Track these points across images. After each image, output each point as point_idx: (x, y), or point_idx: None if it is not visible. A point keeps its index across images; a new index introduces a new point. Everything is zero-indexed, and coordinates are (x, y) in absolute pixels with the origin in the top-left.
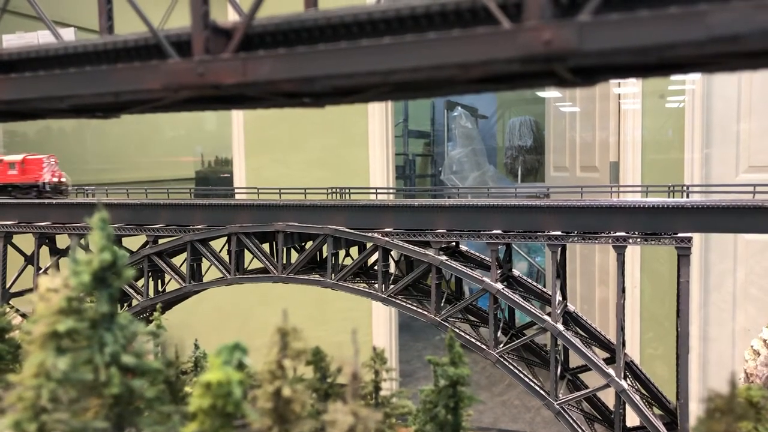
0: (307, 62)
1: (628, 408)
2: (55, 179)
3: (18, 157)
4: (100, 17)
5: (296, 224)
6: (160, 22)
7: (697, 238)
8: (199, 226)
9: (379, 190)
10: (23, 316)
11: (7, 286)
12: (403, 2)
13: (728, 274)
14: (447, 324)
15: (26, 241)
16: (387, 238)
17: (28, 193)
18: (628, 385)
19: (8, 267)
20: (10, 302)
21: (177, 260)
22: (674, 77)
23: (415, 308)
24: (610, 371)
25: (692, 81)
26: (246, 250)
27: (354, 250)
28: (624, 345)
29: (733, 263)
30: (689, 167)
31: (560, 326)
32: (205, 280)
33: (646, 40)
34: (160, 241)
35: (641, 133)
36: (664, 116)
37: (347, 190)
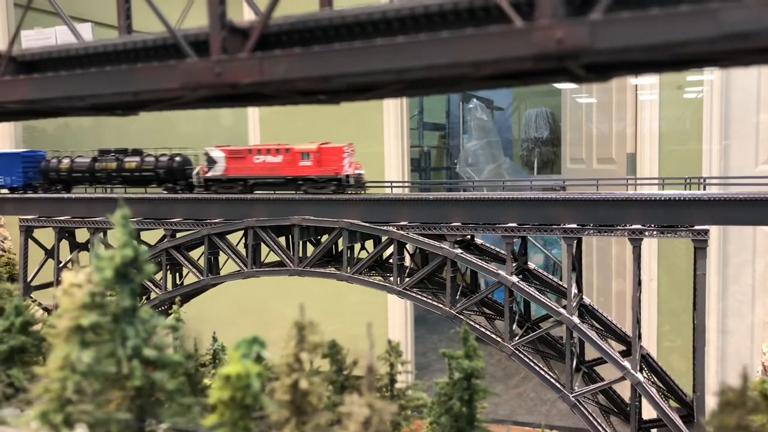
0: (322, 61)
1: (644, 401)
2: (357, 171)
3: (311, 146)
4: (118, 16)
5: (312, 218)
6: (177, 21)
7: (715, 230)
8: (216, 220)
9: (394, 184)
10: (45, 309)
11: (29, 279)
12: (417, 1)
13: (747, 266)
14: (462, 317)
15: (46, 235)
16: (402, 232)
17: (323, 188)
18: (645, 377)
19: (29, 261)
20: (32, 295)
21: (194, 254)
22: (690, 70)
23: (430, 301)
24: (626, 364)
25: (710, 72)
26: (262, 244)
27: (369, 244)
28: (640, 338)
29: (752, 255)
30: (707, 159)
31: (576, 319)
32: (222, 273)
33: (658, 38)
34: (178, 234)
35: (659, 124)
36: (682, 107)
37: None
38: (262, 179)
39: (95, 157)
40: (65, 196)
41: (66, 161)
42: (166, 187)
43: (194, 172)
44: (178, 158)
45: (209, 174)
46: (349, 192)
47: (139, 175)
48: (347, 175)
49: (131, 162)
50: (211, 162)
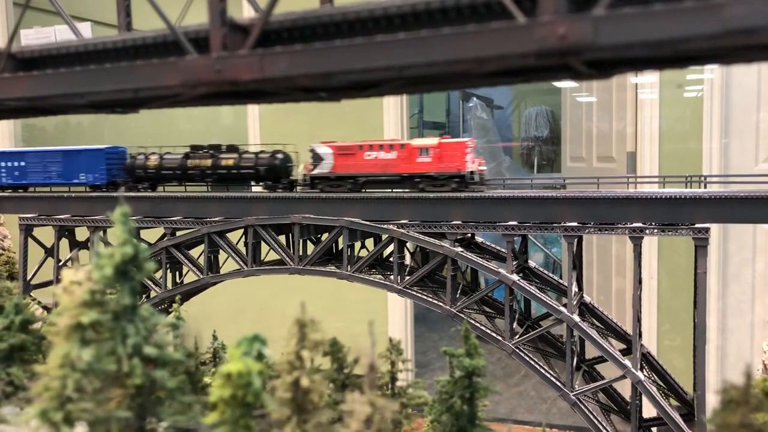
0: (323, 58)
1: (644, 399)
2: (480, 167)
3: (431, 141)
4: (118, 14)
5: (312, 216)
6: (177, 18)
7: (715, 228)
8: (216, 219)
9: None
10: (45, 308)
11: (28, 278)
12: None
13: (747, 264)
14: (462, 315)
15: (46, 234)
16: (402, 230)
17: (443, 185)
18: (645, 376)
19: (29, 259)
20: (31, 294)
21: (194, 252)
22: (692, 67)
23: (430, 299)
24: (627, 362)
25: (710, 70)
26: (263, 242)
27: (370, 242)
28: (640, 336)
29: (753, 254)
30: (707, 157)
31: (576, 317)
32: (222, 271)
33: (661, 34)
34: (178, 233)
35: (659, 122)
36: (682, 106)
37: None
38: (374, 177)
39: (187, 153)
40: (65, 194)
41: (154, 158)
42: (266, 185)
43: (299, 169)
44: (279, 155)
45: (315, 171)
46: (472, 189)
47: (236, 172)
48: (471, 172)
49: (228, 159)
50: (317, 159)
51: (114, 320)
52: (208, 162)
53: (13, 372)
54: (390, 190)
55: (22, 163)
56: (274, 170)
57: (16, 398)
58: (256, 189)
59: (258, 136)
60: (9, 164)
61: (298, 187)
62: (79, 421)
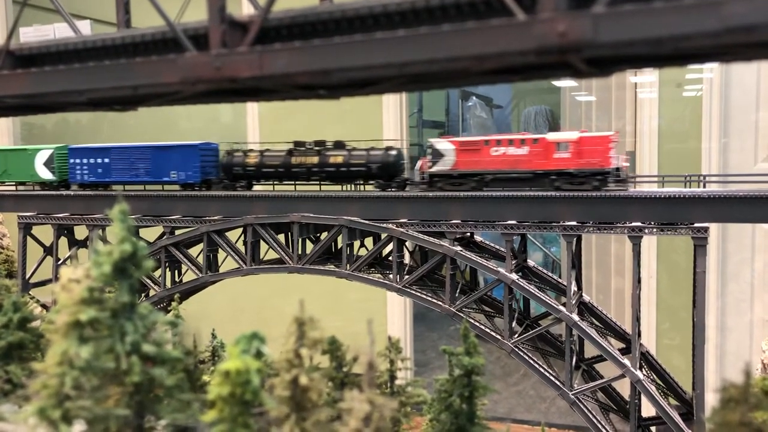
0: (322, 55)
1: (643, 398)
2: (624, 163)
3: (570, 135)
4: (117, 11)
5: (311, 215)
6: (176, 15)
7: (714, 228)
8: (215, 217)
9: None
10: (43, 306)
11: (27, 276)
12: None
13: (746, 263)
14: (462, 314)
15: (45, 232)
16: (402, 229)
17: (583, 183)
18: (644, 375)
19: (27, 258)
20: (30, 292)
21: (193, 251)
22: (691, 66)
23: (429, 298)
24: (626, 361)
25: (710, 70)
26: (262, 241)
27: (369, 241)
28: (640, 335)
29: (751, 253)
30: (706, 157)
31: (575, 316)
32: (221, 270)
33: (661, 31)
34: (177, 232)
35: (658, 122)
36: (682, 105)
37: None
38: (503, 174)
39: (291, 150)
40: (64, 193)
41: (254, 155)
42: (378, 184)
43: (415, 167)
44: (392, 151)
45: (434, 169)
46: (618, 187)
47: (346, 170)
48: (617, 168)
49: (337, 156)
50: (437, 155)
51: (112, 318)
52: (315, 159)
53: (12, 370)
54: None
55: (106, 160)
56: (388, 167)
57: (15, 396)
58: (257, 188)
59: (257, 135)
60: (91, 161)
61: (408, 186)
62: (77, 419)
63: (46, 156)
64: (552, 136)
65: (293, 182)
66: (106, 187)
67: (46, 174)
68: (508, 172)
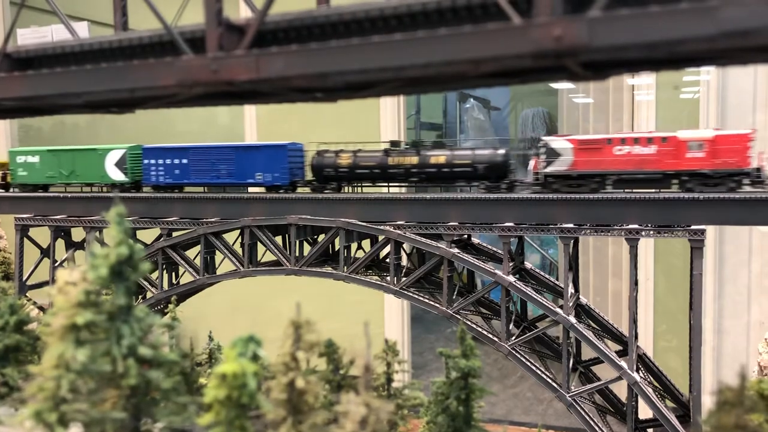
0: (319, 58)
1: (640, 400)
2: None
3: (704, 134)
4: (114, 13)
5: (309, 217)
6: (173, 18)
7: (711, 230)
8: (212, 219)
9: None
10: (40, 308)
11: (24, 278)
12: None
13: (743, 266)
14: (459, 316)
15: (42, 234)
16: (399, 231)
17: (718, 185)
18: (641, 377)
19: (24, 260)
20: (27, 294)
21: (191, 253)
22: (688, 69)
23: (427, 301)
24: (623, 364)
25: (707, 72)
26: (259, 243)
27: (366, 243)
28: (637, 337)
29: (748, 255)
30: None
31: (572, 319)
32: (218, 272)
33: (657, 36)
34: (174, 234)
35: (655, 124)
36: (679, 108)
37: None
38: (627, 175)
39: (387, 150)
40: (61, 194)
41: (346, 155)
42: (484, 185)
43: (528, 167)
44: (500, 150)
45: (550, 169)
46: (760, 188)
47: (448, 171)
48: (757, 169)
49: (439, 156)
50: (552, 154)
51: (109, 321)
52: (414, 159)
53: (8, 373)
54: (386, 192)
55: (184, 161)
56: (496, 168)
57: (11, 399)
58: (252, 189)
59: (255, 137)
60: (168, 161)
61: (518, 188)
62: (73, 421)
63: (118, 156)
64: (684, 134)
65: (388, 184)
66: (181, 189)
67: (117, 175)
68: (634, 172)
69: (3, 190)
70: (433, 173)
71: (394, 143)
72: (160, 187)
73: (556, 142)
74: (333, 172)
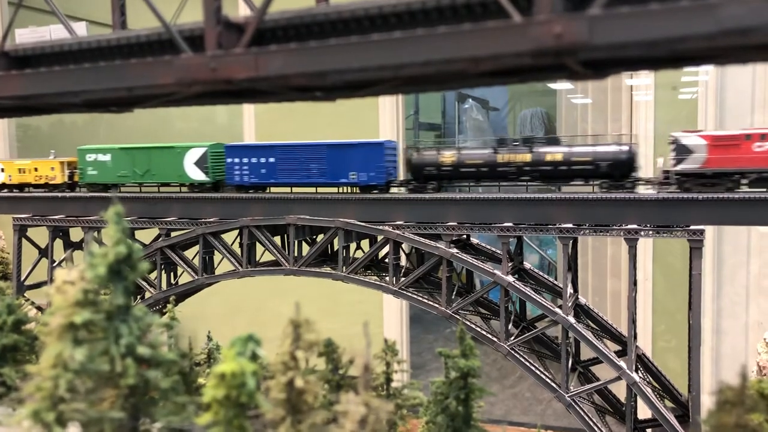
0: (318, 57)
1: (639, 400)
2: None
3: None
4: (113, 12)
5: (307, 217)
6: (172, 17)
7: (710, 230)
8: (211, 219)
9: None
10: (38, 308)
11: (22, 278)
12: None
13: (741, 266)
14: (458, 316)
15: (40, 234)
16: (398, 231)
17: None
18: (640, 377)
19: (22, 260)
20: (25, 294)
21: (189, 253)
22: (687, 69)
23: (426, 301)
24: (622, 364)
25: (705, 72)
26: (258, 243)
27: (365, 243)
28: (636, 337)
29: (747, 256)
30: None
31: (571, 319)
32: (217, 272)
33: (657, 34)
34: (173, 234)
35: (654, 124)
36: (677, 108)
37: None
38: None
39: (495, 147)
40: (59, 194)
41: (449, 153)
42: (608, 184)
43: (659, 164)
44: (624, 146)
45: (681, 167)
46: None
47: (566, 169)
48: None
49: (555, 153)
50: (683, 151)
51: (107, 320)
52: (527, 157)
53: (6, 372)
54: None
55: (271, 160)
56: (620, 165)
57: (9, 399)
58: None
59: (253, 136)
60: (253, 160)
61: (643, 186)
62: (71, 421)
63: (198, 155)
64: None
65: (497, 183)
66: (264, 189)
67: (197, 175)
68: None
69: (69, 190)
70: (548, 171)
71: (501, 141)
72: (243, 187)
73: (687, 139)
74: (435, 170)
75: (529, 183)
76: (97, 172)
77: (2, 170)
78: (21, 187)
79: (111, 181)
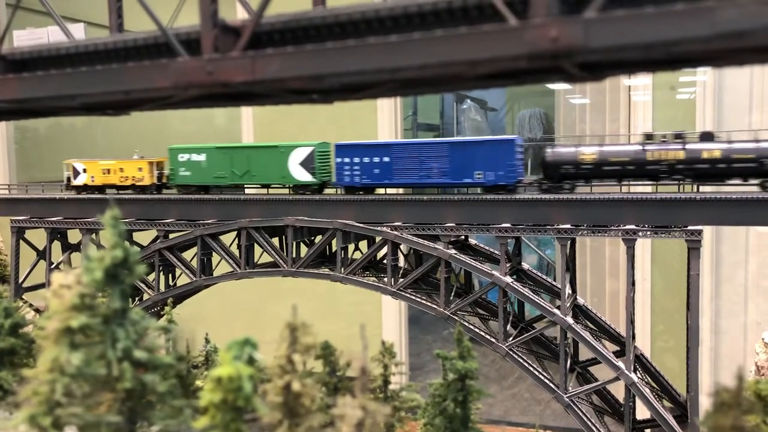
0: (315, 60)
1: (638, 401)
2: None
3: None
4: (110, 15)
5: (306, 218)
6: (169, 20)
7: (708, 230)
8: (209, 221)
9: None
10: (36, 311)
11: (20, 280)
12: (410, 0)
13: (740, 266)
14: (456, 318)
15: (38, 236)
16: (396, 232)
17: None
18: (638, 378)
19: (20, 262)
20: (23, 297)
21: (187, 255)
22: (685, 69)
23: (424, 302)
24: (620, 364)
25: (703, 73)
26: (256, 245)
27: (363, 244)
28: (634, 338)
29: (745, 255)
30: None
31: (570, 319)
32: (215, 274)
33: (653, 37)
34: (171, 235)
35: (652, 125)
36: (675, 108)
37: None
38: None
39: (642, 143)
40: (56, 196)
41: (591, 150)
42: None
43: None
44: None
45: None
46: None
47: (725, 167)
48: None
49: (713, 150)
50: None
51: (104, 324)
52: (680, 154)
53: (3, 376)
54: (384, 192)
55: (386, 159)
56: None
57: (5, 402)
58: (250, 191)
59: (252, 139)
60: (365, 160)
61: None
62: (68, 425)
63: (305, 154)
64: None
65: (644, 182)
66: (373, 191)
67: (302, 175)
68: None
69: (157, 192)
70: (703, 170)
71: (649, 136)
72: (355, 188)
73: None
74: (573, 169)
75: (680, 182)
76: (190, 173)
77: (84, 171)
78: (103, 188)
79: (206, 182)
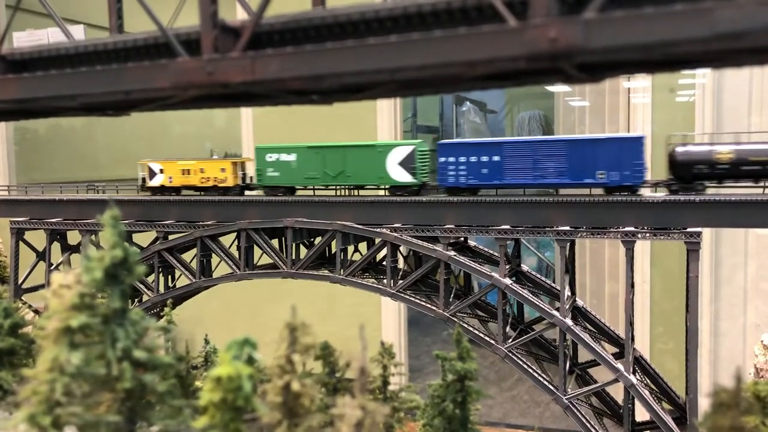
0: (315, 60)
1: (637, 403)
2: None
3: None
4: (110, 16)
5: (305, 220)
6: (169, 20)
7: (707, 232)
8: (209, 222)
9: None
10: (36, 311)
11: (20, 281)
12: (410, 1)
13: (739, 268)
14: (455, 319)
15: (37, 237)
16: (395, 234)
17: None
18: (638, 380)
19: (20, 263)
20: (22, 298)
21: (187, 256)
22: (684, 71)
23: (423, 303)
24: (619, 366)
25: (703, 75)
26: (255, 246)
27: (363, 246)
28: (633, 340)
29: (744, 257)
30: None
31: (569, 321)
32: (215, 275)
33: (652, 37)
34: (171, 237)
35: (651, 127)
36: (675, 110)
37: None
38: None
39: None
40: (56, 197)
41: (726, 149)
42: None
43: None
44: None
45: None
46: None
47: None
48: None
49: None
50: None
51: (104, 324)
52: None
53: (2, 376)
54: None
55: (496, 158)
56: None
57: (5, 402)
58: (249, 193)
59: (251, 140)
60: (472, 159)
61: None
62: (68, 425)
63: (404, 154)
64: None
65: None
66: (474, 192)
67: (401, 176)
68: None
69: (240, 194)
70: None
71: None
72: (460, 189)
73: None
74: (707, 169)
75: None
76: (279, 174)
77: (161, 171)
78: (180, 190)
79: (297, 183)
